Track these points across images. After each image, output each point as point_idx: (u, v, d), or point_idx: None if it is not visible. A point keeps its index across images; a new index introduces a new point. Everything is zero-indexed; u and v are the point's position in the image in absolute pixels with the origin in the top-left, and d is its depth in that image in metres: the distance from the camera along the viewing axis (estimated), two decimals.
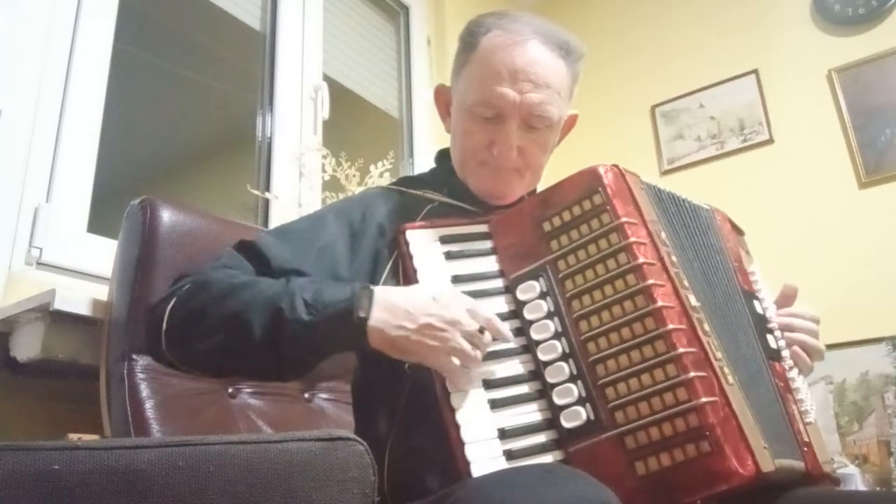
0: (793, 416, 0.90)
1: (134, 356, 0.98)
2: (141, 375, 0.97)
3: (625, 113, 2.73)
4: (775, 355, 0.96)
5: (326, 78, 2.18)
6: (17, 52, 1.36)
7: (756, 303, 0.99)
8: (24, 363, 1.16)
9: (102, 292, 1.13)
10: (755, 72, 2.54)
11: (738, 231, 1.10)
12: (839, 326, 1.93)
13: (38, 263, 1.33)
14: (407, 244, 0.89)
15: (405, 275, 0.88)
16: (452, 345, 0.77)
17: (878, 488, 2.01)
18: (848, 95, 2.34)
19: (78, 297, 1.13)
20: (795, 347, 1.00)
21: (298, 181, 1.95)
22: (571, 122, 1.08)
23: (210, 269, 0.86)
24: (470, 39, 0.99)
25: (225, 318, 0.79)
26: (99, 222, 1.45)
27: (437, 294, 0.80)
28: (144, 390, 0.96)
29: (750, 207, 2.34)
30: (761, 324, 0.97)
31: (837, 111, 2.35)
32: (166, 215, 1.04)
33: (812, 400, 0.98)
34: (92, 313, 1.12)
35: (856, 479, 1.98)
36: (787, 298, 1.05)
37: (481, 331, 0.79)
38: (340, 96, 2.25)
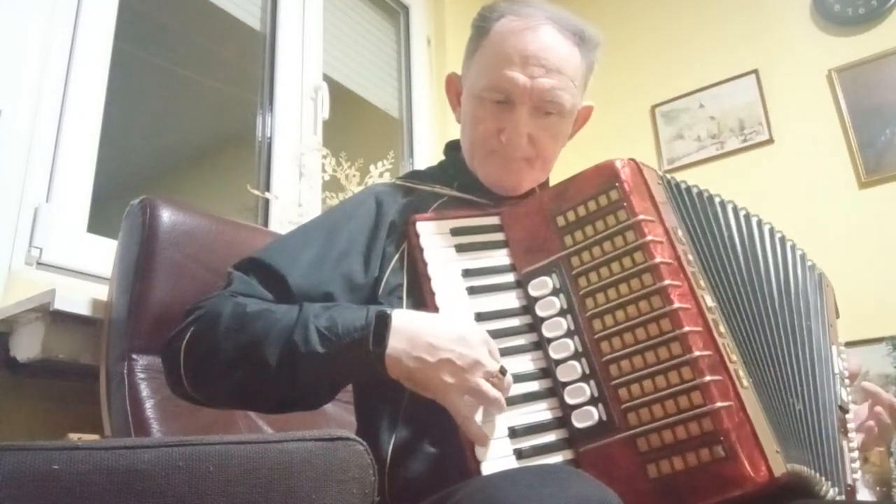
0: (844, 453, 0.90)
1: (134, 356, 0.98)
2: (141, 375, 0.97)
3: (625, 113, 2.73)
4: (844, 406, 0.96)
5: (326, 78, 2.18)
6: (17, 51, 1.36)
7: (839, 359, 1.00)
8: (24, 363, 1.16)
9: (102, 292, 1.12)
10: (755, 72, 2.54)
11: (836, 311, 1.11)
12: (839, 326, 1.92)
13: (38, 263, 1.33)
14: (417, 236, 0.87)
15: (414, 267, 0.87)
16: (470, 385, 0.74)
17: (878, 489, 2.01)
18: (848, 95, 2.34)
19: (78, 297, 1.13)
20: (870, 423, 1.00)
21: (298, 181, 1.95)
22: (586, 113, 1.05)
23: (222, 299, 0.82)
24: (482, 24, 0.97)
25: (240, 356, 0.77)
26: (99, 222, 1.45)
27: (464, 332, 0.76)
28: (144, 390, 0.96)
29: (750, 207, 2.34)
30: (841, 375, 0.98)
31: (837, 111, 2.35)
32: (166, 215, 1.03)
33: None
34: (92, 313, 1.12)
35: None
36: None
37: (503, 371, 0.76)
38: (340, 96, 2.25)
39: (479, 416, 0.75)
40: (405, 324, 0.76)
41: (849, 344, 2.06)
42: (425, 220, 0.89)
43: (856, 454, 0.97)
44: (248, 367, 0.77)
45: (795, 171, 2.38)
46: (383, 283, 0.89)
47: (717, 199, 0.96)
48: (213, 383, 0.80)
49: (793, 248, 1.00)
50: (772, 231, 0.98)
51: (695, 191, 0.94)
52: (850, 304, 2.12)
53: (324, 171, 1.93)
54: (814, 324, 0.96)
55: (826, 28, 2.45)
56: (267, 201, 1.88)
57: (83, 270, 1.39)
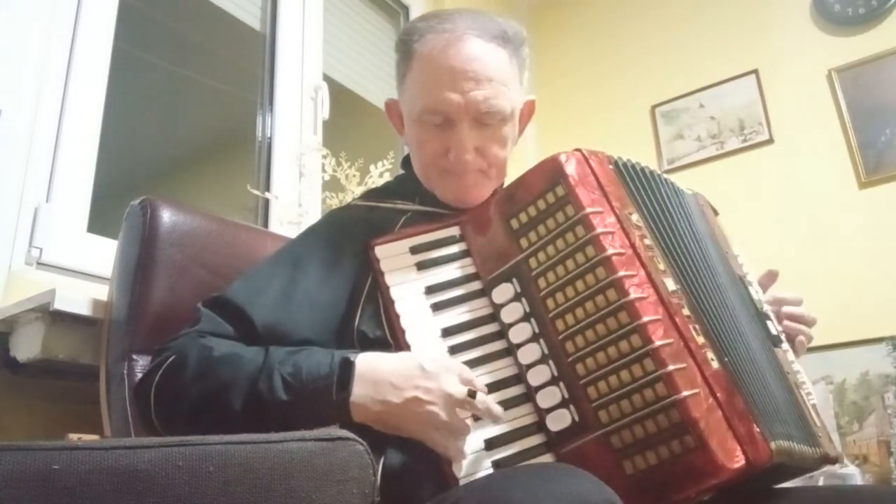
0: (804, 403, 0.90)
1: (134, 356, 0.97)
2: (141, 375, 0.97)
3: (625, 113, 2.73)
4: (776, 341, 0.95)
5: (326, 78, 2.18)
6: (17, 52, 1.36)
7: (751, 289, 0.99)
8: (24, 363, 1.16)
9: (102, 292, 1.12)
10: (755, 72, 2.54)
11: (715, 212, 1.09)
12: (839, 326, 1.93)
13: (38, 263, 1.33)
14: (378, 260, 0.87)
15: (381, 293, 0.87)
16: (442, 419, 0.74)
17: None
18: (848, 95, 2.34)
19: (78, 297, 1.13)
20: (799, 336, 1.01)
21: (298, 181, 1.95)
22: (530, 109, 1.04)
23: (189, 340, 0.82)
24: (405, 49, 0.97)
25: (206, 402, 0.77)
26: (99, 222, 1.45)
27: (427, 363, 0.76)
28: None
29: (750, 207, 2.34)
30: (759, 309, 0.97)
31: (837, 111, 2.35)
32: (166, 215, 1.03)
33: (809, 381, 0.99)
34: (92, 313, 1.12)
35: (856, 479, 1.98)
36: (769, 280, 1.05)
37: (472, 394, 0.75)
38: (340, 96, 2.25)
39: (455, 443, 0.75)
40: (368, 369, 0.76)
41: (849, 344, 2.08)
42: (383, 243, 0.89)
43: (804, 377, 0.97)
44: (215, 413, 0.76)
45: (795, 171, 2.38)
46: (359, 312, 0.89)
47: (681, 192, 0.95)
48: (182, 428, 0.79)
49: (681, 191, 0.99)
50: (678, 190, 0.98)
51: (647, 171, 0.93)
52: (850, 304, 2.14)
53: (324, 171, 1.92)
54: (725, 265, 0.96)
55: (826, 28, 2.45)
56: (267, 201, 1.88)
57: (83, 270, 1.39)
